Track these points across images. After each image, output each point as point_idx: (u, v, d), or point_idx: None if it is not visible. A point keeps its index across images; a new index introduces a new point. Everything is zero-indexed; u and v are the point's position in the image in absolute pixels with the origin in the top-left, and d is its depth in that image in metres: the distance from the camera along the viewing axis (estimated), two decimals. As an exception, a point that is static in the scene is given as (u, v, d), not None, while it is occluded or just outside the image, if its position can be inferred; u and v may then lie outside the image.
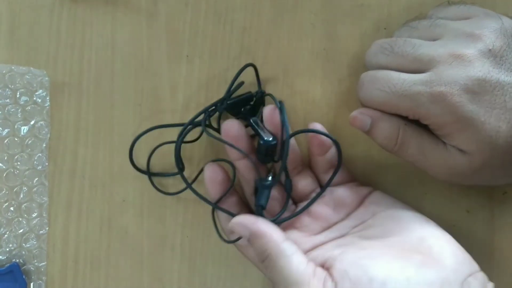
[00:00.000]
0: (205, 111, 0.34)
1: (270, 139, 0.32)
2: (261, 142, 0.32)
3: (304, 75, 0.36)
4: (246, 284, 0.37)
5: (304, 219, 0.34)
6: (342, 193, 0.34)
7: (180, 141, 0.33)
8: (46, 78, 0.36)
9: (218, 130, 0.35)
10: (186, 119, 0.35)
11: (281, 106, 0.33)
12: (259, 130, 0.33)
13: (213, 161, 0.34)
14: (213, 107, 0.34)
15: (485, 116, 0.29)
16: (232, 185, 0.34)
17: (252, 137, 0.34)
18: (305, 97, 0.36)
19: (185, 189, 0.34)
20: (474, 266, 0.29)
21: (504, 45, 0.29)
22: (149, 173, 0.36)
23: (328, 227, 0.33)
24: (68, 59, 0.36)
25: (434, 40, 0.31)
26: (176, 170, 0.35)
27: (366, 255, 0.29)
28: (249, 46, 0.36)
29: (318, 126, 0.34)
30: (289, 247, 0.29)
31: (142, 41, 0.36)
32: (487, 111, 0.29)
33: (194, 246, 0.37)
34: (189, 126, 0.34)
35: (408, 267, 0.27)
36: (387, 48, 0.31)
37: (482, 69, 0.29)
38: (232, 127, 0.33)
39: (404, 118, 0.31)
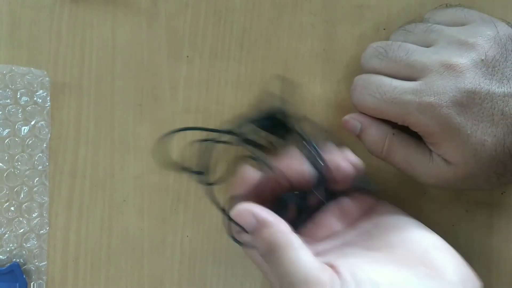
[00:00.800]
0: (241, 125, 0.32)
1: (320, 171, 0.30)
2: (314, 171, 0.30)
3: (303, 75, 0.36)
4: (246, 284, 0.37)
5: (308, 226, 0.33)
6: (347, 202, 0.33)
7: (213, 145, 0.32)
8: (47, 79, 0.36)
9: (252, 143, 0.33)
10: (187, 119, 0.35)
11: (317, 144, 0.31)
12: (312, 158, 0.31)
13: (242, 158, 0.33)
14: (246, 123, 0.32)
15: (472, 129, 0.29)
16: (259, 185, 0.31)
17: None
18: (305, 98, 0.36)
19: (209, 188, 0.32)
20: (476, 282, 0.28)
21: (497, 55, 0.29)
22: (184, 168, 0.33)
23: (332, 235, 0.32)
24: (68, 59, 0.36)
25: (429, 45, 0.31)
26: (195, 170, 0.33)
27: (370, 261, 0.28)
28: (249, 46, 0.36)
29: (350, 157, 0.32)
30: (296, 239, 0.28)
31: (142, 41, 0.36)
32: (474, 124, 0.29)
33: (194, 246, 0.37)
34: (224, 133, 0.32)
35: (411, 276, 0.27)
36: (382, 52, 0.31)
37: (472, 81, 0.29)
38: (250, 177, 0.31)
39: (394, 124, 0.32)
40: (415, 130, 0.31)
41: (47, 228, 0.37)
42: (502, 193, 0.36)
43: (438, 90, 0.29)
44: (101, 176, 0.37)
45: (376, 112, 0.32)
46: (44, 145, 0.36)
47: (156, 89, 0.36)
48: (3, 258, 0.36)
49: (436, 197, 0.36)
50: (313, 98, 0.36)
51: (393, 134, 0.32)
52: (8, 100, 0.36)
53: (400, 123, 0.31)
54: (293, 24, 0.36)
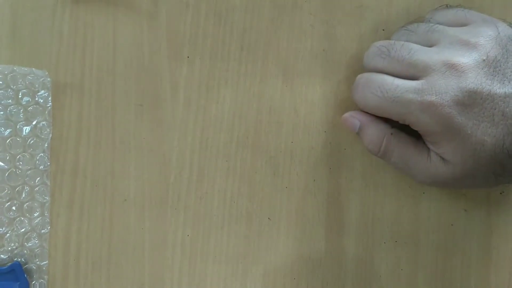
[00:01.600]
0: None
1: None
2: None
3: (303, 75, 0.36)
4: (246, 284, 0.37)
5: None
6: None
7: None
8: (48, 79, 0.36)
9: None
10: (187, 119, 0.35)
11: None
12: None
13: None
14: None
15: (472, 129, 0.29)
16: None
17: None
18: (305, 98, 0.36)
19: None
20: None
21: (499, 55, 0.29)
22: None
23: None
24: (69, 59, 0.36)
25: (431, 45, 0.31)
26: None
27: None
28: (249, 46, 0.36)
29: None
30: None
31: (143, 42, 0.36)
32: (475, 124, 0.29)
33: (195, 245, 0.37)
34: None
35: None
36: (384, 51, 0.32)
37: (474, 81, 0.29)
38: None
39: (394, 123, 0.32)
40: (416, 129, 0.31)
41: (48, 228, 0.37)
42: (501, 193, 0.36)
43: (440, 89, 0.29)
44: (102, 176, 0.37)
45: (377, 110, 0.32)
46: (46, 145, 0.37)
47: (156, 89, 0.37)
48: (5, 257, 0.37)
49: (435, 197, 0.36)
50: (312, 98, 0.36)
51: (391, 133, 0.32)
52: (10, 100, 0.36)
53: (401, 122, 0.31)
54: (292, 24, 0.36)
